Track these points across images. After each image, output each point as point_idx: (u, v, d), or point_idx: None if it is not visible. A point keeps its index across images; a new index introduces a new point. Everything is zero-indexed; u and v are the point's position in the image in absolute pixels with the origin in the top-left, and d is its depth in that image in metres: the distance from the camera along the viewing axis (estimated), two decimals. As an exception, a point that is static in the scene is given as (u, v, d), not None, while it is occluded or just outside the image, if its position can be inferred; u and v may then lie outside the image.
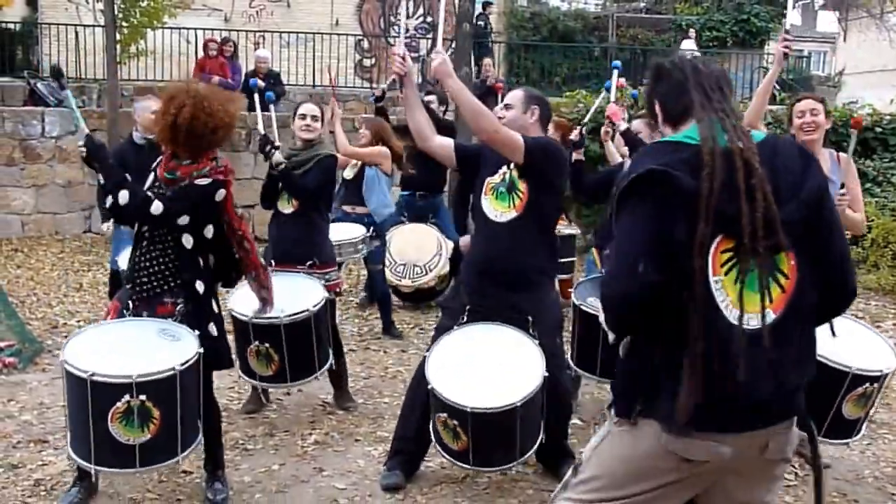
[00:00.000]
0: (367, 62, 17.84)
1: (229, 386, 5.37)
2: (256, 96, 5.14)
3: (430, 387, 3.68)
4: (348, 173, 6.91)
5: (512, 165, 3.87)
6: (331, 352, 4.79)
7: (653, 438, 2.01)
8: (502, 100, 4.27)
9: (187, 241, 3.60)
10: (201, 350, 3.46)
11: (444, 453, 3.82)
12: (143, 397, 3.27)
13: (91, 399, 3.27)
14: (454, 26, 11.65)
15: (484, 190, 3.92)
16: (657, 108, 2.23)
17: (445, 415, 3.66)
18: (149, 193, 3.56)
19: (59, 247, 10.31)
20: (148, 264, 3.62)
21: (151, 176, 3.73)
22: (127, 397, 3.26)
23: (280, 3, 17.65)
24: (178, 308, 3.59)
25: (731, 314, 1.95)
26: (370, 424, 4.82)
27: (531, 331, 3.82)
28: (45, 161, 10.87)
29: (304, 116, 4.93)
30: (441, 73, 3.67)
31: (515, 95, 4.05)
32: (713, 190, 1.91)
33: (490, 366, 3.77)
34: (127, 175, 3.57)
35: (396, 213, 7.24)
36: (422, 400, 3.92)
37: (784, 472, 2.16)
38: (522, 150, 3.77)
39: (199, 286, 3.64)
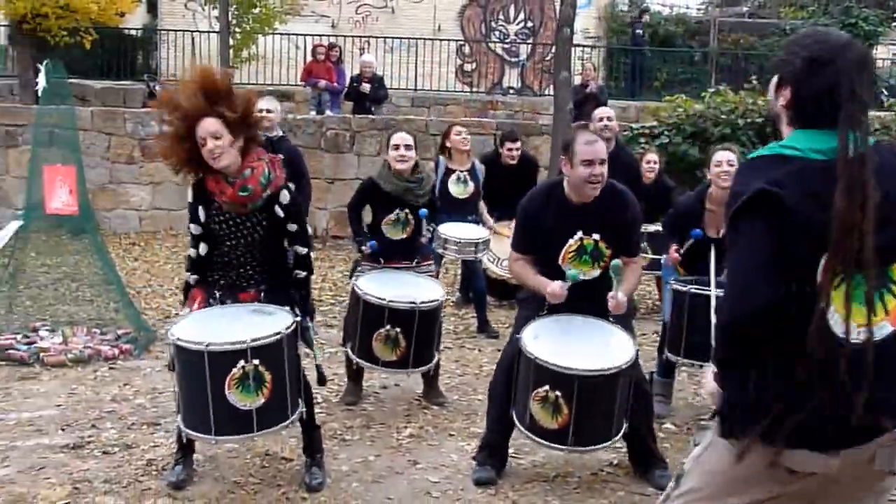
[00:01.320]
0: (467, 67, 17.99)
1: (329, 378, 5.54)
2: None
3: (532, 357, 3.71)
4: (461, 191, 6.98)
5: (594, 235, 3.95)
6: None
7: (758, 450, 1.99)
8: None
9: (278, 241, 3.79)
10: (298, 318, 3.64)
11: (538, 438, 3.82)
12: (256, 361, 3.43)
13: (208, 369, 3.41)
14: (554, 30, 11.66)
15: (562, 258, 3.98)
16: (792, 102, 2.06)
17: (546, 387, 3.69)
18: None
19: (172, 241, 10.76)
20: (235, 262, 3.77)
21: (202, 212, 3.70)
22: (242, 363, 3.41)
23: (385, 9, 17.99)
24: (261, 294, 3.77)
25: (839, 328, 1.93)
26: (464, 420, 4.91)
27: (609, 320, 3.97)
28: (161, 160, 11.37)
29: (397, 147, 5.01)
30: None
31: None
32: (842, 209, 1.88)
33: (583, 341, 3.87)
34: None
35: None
36: (501, 390, 4.03)
37: (893, 485, 2.11)
38: None
39: (283, 277, 3.81)
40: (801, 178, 1.94)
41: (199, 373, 3.44)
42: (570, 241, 3.96)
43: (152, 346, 6.25)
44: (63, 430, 4.61)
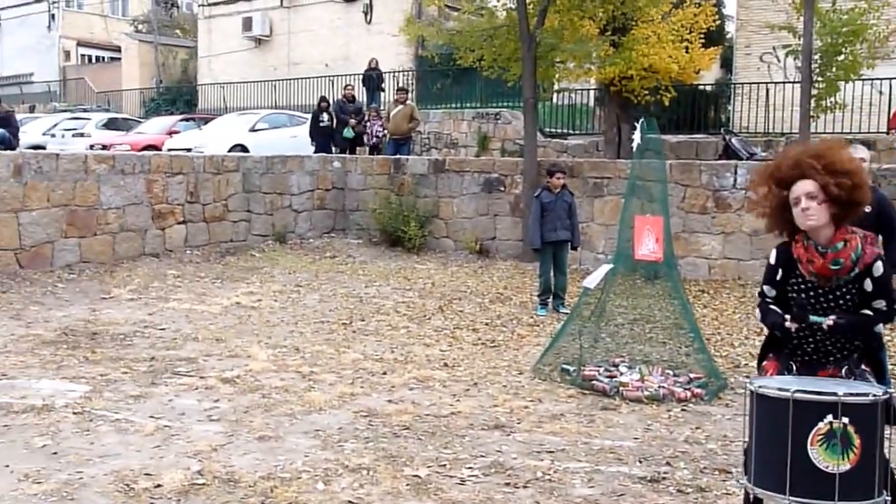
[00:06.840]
0: None
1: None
2: None
3: None
4: None
5: None
6: None
7: None
8: None
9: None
10: (893, 391, 3.31)
11: None
12: (845, 420, 3.18)
13: (792, 419, 3.24)
14: None
15: None
16: None
17: None
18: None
19: (741, 291, 10.76)
20: (813, 337, 3.56)
21: (781, 275, 3.57)
22: (830, 418, 3.19)
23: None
24: (842, 371, 3.53)
25: None
26: None
27: None
28: (734, 210, 11.54)
29: None
30: None
31: None
32: None
33: None
34: None
35: None
36: None
37: None
38: None
39: (866, 347, 3.55)
40: None
41: (781, 423, 3.28)
42: None
43: (722, 394, 6.33)
44: (640, 462, 4.93)
